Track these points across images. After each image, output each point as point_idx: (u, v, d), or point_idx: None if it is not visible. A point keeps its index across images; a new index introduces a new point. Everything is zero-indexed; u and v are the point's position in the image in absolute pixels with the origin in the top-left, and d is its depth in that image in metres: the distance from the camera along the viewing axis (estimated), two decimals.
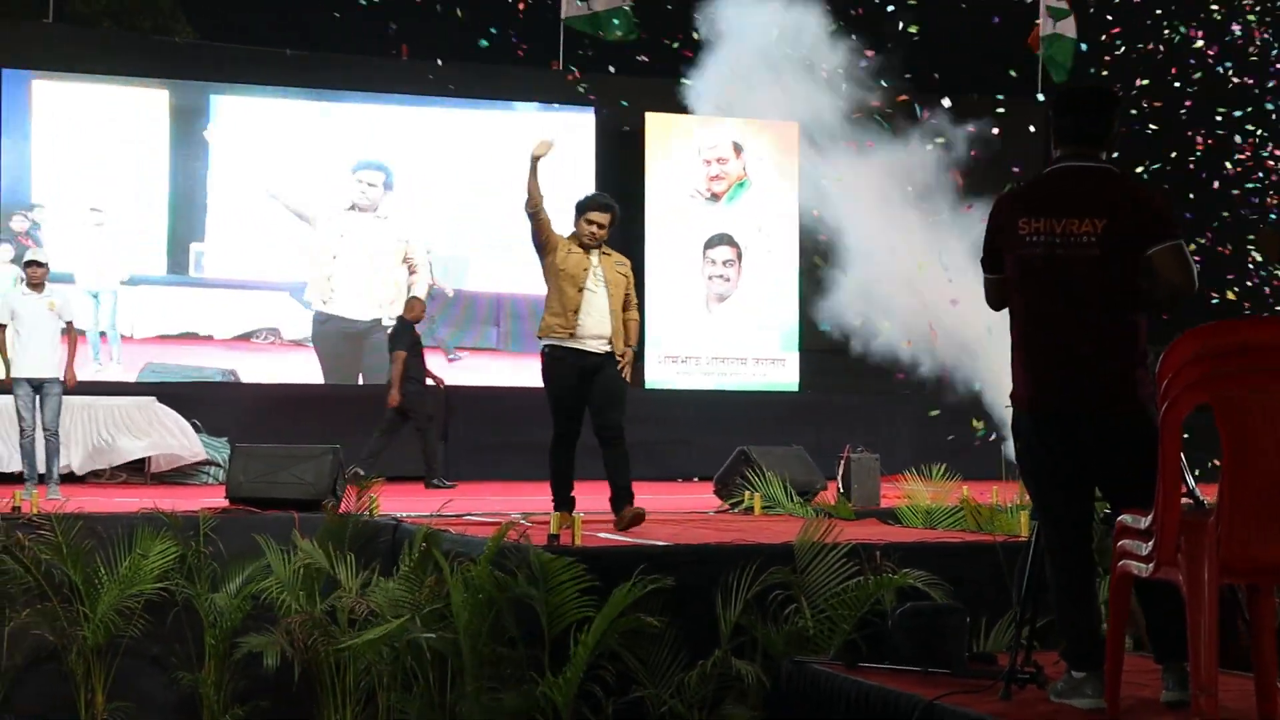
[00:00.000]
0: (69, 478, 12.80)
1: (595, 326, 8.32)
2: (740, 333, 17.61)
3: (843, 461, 11.23)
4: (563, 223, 8.54)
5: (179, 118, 16.24)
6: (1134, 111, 15.43)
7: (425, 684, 7.46)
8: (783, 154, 17.61)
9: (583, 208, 8.50)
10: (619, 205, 8.70)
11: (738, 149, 17.73)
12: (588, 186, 15.57)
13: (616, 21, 16.37)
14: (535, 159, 8.27)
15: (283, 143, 16.53)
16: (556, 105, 16.93)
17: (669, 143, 17.54)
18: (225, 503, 9.94)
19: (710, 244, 17.60)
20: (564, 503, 8.33)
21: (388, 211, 16.73)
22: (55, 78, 15.85)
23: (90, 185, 15.77)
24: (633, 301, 8.62)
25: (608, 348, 8.35)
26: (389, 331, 14.88)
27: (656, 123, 17.41)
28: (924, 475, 10.14)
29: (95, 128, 15.84)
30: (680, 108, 16.81)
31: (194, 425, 14.13)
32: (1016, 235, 4.81)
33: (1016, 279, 4.85)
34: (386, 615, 7.60)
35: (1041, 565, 4.89)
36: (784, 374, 17.79)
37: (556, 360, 8.35)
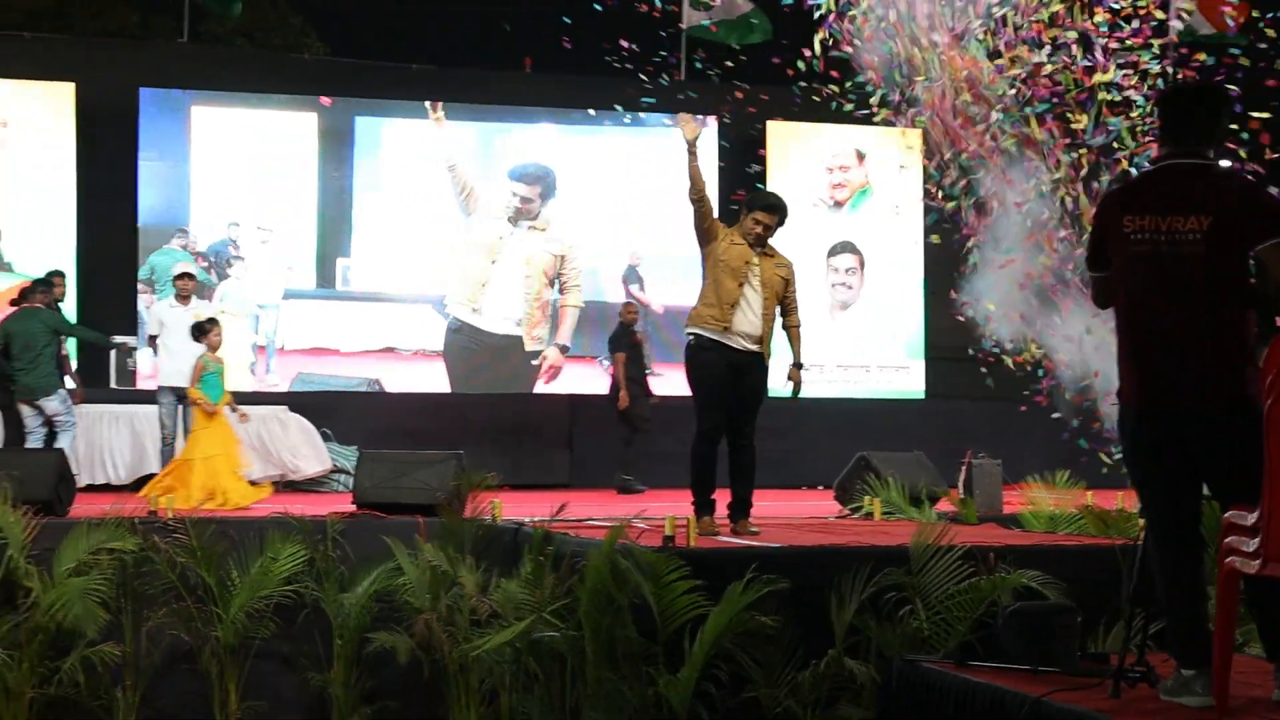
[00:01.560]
0: None
1: (747, 325, 8.13)
2: (864, 340, 17.59)
3: (964, 467, 11.18)
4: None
5: (326, 139, 16.71)
6: None
7: (545, 684, 7.58)
8: (906, 160, 17.53)
9: (751, 205, 8.31)
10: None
11: (860, 156, 17.71)
12: (709, 195, 15.65)
13: (754, 23, 16.44)
14: (690, 142, 8.09)
15: (424, 158, 16.87)
16: (678, 113, 16.95)
17: (790, 151, 17.57)
18: (353, 508, 10.17)
19: (833, 252, 17.62)
20: (705, 506, 8.23)
21: (544, 222, 17.07)
22: (212, 101, 16.41)
23: (248, 205, 16.34)
24: (793, 305, 8.39)
25: (756, 349, 8.18)
26: (610, 336, 15.16)
27: (778, 131, 17.45)
28: (1050, 483, 10.08)
29: (250, 149, 16.38)
30: (802, 115, 16.78)
31: (324, 434, 14.43)
32: (1122, 233, 4.82)
33: (1122, 276, 4.85)
34: (508, 616, 7.72)
35: (1152, 564, 4.87)
36: (909, 381, 17.72)
37: (704, 350, 8.16)
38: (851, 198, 17.73)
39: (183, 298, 12.15)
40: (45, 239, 15.47)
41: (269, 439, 13.97)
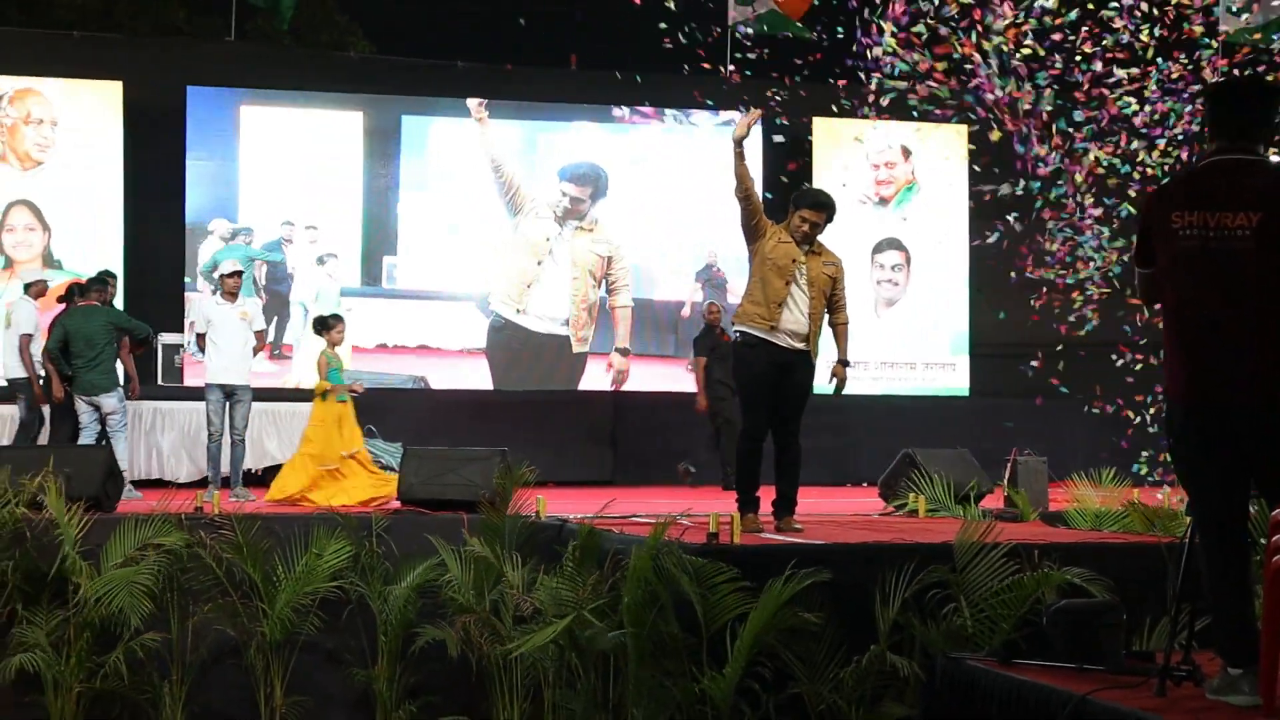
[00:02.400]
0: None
1: (794, 324, 8.07)
2: (909, 338, 17.53)
3: (1010, 464, 11.13)
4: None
5: (372, 137, 16.80)
6: None
7: (588, 681, 7.58)
8: (952, 157, 17.46)
9: (798, 202, 8.22)
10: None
11: (906, 153, 17.64)
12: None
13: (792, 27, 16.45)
14: (738, 141, 7.99)
15: (469, 157, 16.93)
16: (724, 111, 16.95)
17: (837, 147, 17.51)
18: (397, 504, 10.20)
19: (878, 248, 17.57)
20: (749, 503, 8.21)
21: (591, 223, 17.10)
22: (260, 100, 16.53)
23: (295, 203, 16.44)
24: (841, 303, 8.31)
25: (803, 347, 8.12)
26: (695, 337, 15.32)
27: (824, 127, 17.38)
28: (1095, 480, 10.01)
29: (297, 148, 16.48)
30: (848, 112, 16.72)
31: (369, 431, 14.45)
32: (1169, 228, 4.77)
33: (1170, 272, 4.81)
34: (549, 613, 7.73)
35: (1198, 561, 4.83)
36: (954, 379, 17.65)
37: (750, 349, 8.11)
38: (898, 194, 17.67)
39: (229, 294, 12.19)
40: (94, 237, 15.62)
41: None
